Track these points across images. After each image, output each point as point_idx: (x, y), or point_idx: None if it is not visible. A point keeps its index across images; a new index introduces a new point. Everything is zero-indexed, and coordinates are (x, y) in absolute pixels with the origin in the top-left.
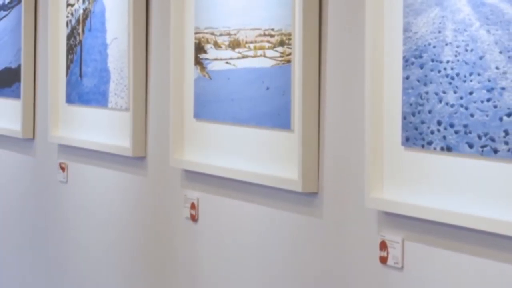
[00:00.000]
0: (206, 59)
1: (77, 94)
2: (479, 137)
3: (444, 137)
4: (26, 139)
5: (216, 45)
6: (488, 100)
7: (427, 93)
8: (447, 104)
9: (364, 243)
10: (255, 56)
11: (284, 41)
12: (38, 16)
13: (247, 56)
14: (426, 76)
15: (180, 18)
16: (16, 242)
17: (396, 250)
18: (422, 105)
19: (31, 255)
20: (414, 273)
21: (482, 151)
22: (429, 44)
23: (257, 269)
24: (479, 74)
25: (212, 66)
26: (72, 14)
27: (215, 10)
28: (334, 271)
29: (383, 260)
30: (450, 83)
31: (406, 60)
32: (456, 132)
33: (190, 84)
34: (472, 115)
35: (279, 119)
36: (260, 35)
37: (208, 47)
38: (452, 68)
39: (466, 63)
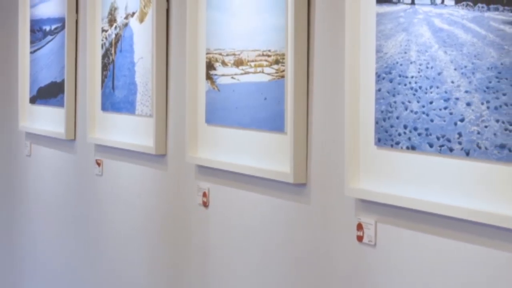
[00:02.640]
0: (215, 74)
1: (110, 103)
2: (438, 138)
3: (409, 138)
4: (68, 140)
5: (223, 63)
6: (445, 108)
7: (395, 102)
8: (411, 111)
9: (344, 225)
10: (255, 72)
11: (279, 60)
12: (78, 39)
13: (248, 72)
14: (394, 88)
15: (194, 41)
16: (61, 225)
17: (370, 230)
18: (391, 112)
19: (74, 236)
20: (384, 249)
21: (440, 149)
22: (397, 62)
23: (257, 246)
24: (437, 87)
25: (220, 81)
26: (106, 38)
27: (223, 35)
28: (320, 248)
29: (360, 238)
30: (414, 94)
31: (378, 76)
32: (419, 134)
33: (202, 95)
34: (432, 120)
35: (275, 124)
36: (259, 55)
37: (217, 65)
38: (415, 82)
39: (427, 78)
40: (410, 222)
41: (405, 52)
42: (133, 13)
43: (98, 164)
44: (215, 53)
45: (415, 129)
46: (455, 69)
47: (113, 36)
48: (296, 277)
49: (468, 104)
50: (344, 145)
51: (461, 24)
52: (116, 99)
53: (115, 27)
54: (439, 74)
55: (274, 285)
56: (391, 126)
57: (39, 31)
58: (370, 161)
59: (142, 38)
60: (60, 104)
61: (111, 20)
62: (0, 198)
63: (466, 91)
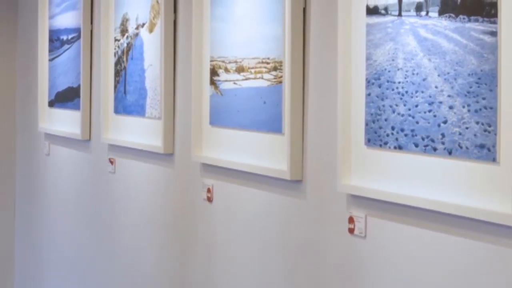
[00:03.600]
0: (219, 80)
1: (122, 106)
2: (423, 139)
3: (397, 139)
4: (84, 140)
5: (226, 70)
6: (430, 111)
7: (383, 106)
8: (398, 114)
9: (337, 218)
10: (255, 78)
11: (277, 67)
12: (93, 48)
13: (249, 78)
14: (383, 93)
15: (199, 50)
16: (77, 218)
17: (361, 223)
18: (380, 115)
19: (88, 227)
20: (374, 240)
21: (425, 149)
22: (385, 69)
23: (256, 237)
24: (422, 92)
25: (223, 86)
26: (118, 47)
27: (225, 43)
28: (314, 239)
29: (351, 230)
30: (401, 98)
31: (368, 81)
32: (405, 135)
33: (207, 99)
34: (417, 122)
35: (273, 125)
36: (259, 63)
37: (220, 71)
38: (402, 87)
39: (413, 83)
40: (397, 215)
41: (393, 60)
42: (143, 24)
43: (111, 162)
44: (219, 61)
45: (402, 130)
46: (438, 75)
47: (125, 45)
48: (293, 266)
49: (451, 107)
50: (337, 145)
51: (444, 34)
52: (127, 103)
53: (127, 37)
54: (424, 79)
55: (272, 273)
56: (380, 128)
57: (57, 41)
58: (361, 160)
59: (151, 47)
60: (76, 107)
61: (123, 30)
62: (22, 193)
63: (449, 95)
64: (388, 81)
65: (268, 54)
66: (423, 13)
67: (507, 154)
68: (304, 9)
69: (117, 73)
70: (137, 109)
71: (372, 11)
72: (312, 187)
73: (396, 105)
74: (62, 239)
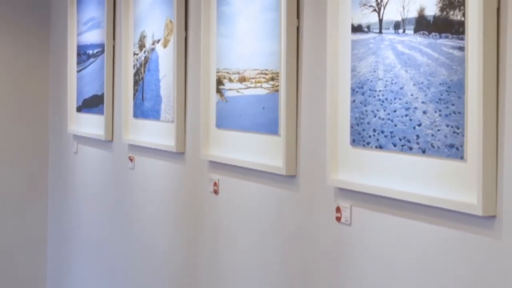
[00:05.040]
0: (224, 89)
1: (140, 111)
2: (400, 139)
3: (378, 140)
4: (107, 141)
5: (230, 80)
6: (406, 115)
7: (366, 111)
8: (379, 118)
9: (326, 208)
10: (255, 87)
11: (274, 78)
12: (115, 61)
13: (250, 87)
14: (365, 100)
15: (206, 62)
16: (101, 208)
17: (346, 212)
18: (363, 119)
19: (111, 216)
20: (358, 227)
21: (402, 148)
22: (368, 79)
23: (257, 225)
24: (400, 99)
25: (227, 94)
26: (137, 60)
27: (229, 57)
28: (306, 226)
29: (338, 219)
30: (381, 105)
31: (353, 90)
32: (385, 136)
33: (213, 105)
34: (395, 125)
35: (271, 128)
36: (258, 74)
37: (225, 81)
38: (382, 95)
39: (392, 91)
40: (378, 206)
41: (374, 71)
42: (158, 40)
43: (131, 160)
44: (224, 72)
45: (382, 132)
46: (414, 85)
47: (143, 58)
48: (287, 249)
49: (424, 112)
50: (326, 145)
51: (419, 49)
52: (145, 108)
53: (144, 51)
54: (401, 88)
55: (269, 255)
56: (363, 130)
57: (84, 55)
58: (346, 157)
59: (165, 60)
60: (101, 112)
61: (141, 46)
62: (53, 187)
63: (423, 102)
64: (370, 90)
65: (266, 66)
66: (401, 30)
67: (473, 153)
68: (298, 28)
69: (135, 83)
70: (153, 114)
71: (356, 29)
72: (304, 181)
73: (377, 110)
74: (88, 226)
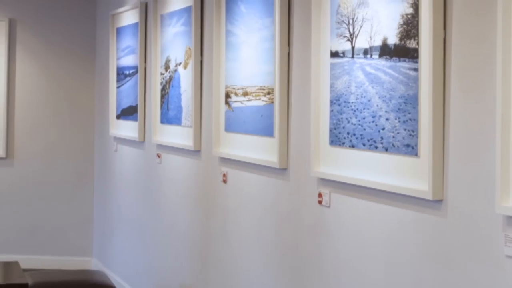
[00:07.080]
0: (231, 101)
1: (165, 118)
2: (368, 140)
3: (351, 141)
4: (140, 142)
5: (236, 94)
6: (373, 122)
7: (342, 118)
8: (352, 124)
9: (310, 194)
10: (255, 100)
11: (270, 92)
12: (146, 79)
13: (251, 100)
14: (341, 109)
15: (217, 80)
16: (135, 195)
17: (326, 197)
18: (339, 124)
19: (142, 202)
20: (336, 209)
21: (370, 147)
22: (343, 93)
23: (257, 207)
24: (368, 109)
25: (234, 105)
26: (163, 78)
27: (235, 76)
28: (295, 208)
29: (320, 202)
30: (353, 113)
31: (331, 101)
32: (356, 138)
33: (223, 114)
34: (365, 129)
35: (268, 131)
36: (258, 89)
37: (232, 95)
38: (354, 106)
39: (362, 103)
40: (351, 192)
41: (348, 87)
42: (180, 63)
43: (158, 156)
44: (231, 88)
45: (354, 134)
46: (379, 98)
47: (168, 77)
48: (280, 227)
49: (387, 119)
50: (310, 144)
51: (383, 70)
52: (169, 116)
53: (169, 72)
54: (369, 100)
55: (267, 231)
56: (339, 133)
57: (122, 74)
58: (326, 154)
59: (185, 78)
60: (135, 119)
61: (166, 67)
62: (98, 178)
63: (386, 111)
64: (345, 102)
65: (264, 83)
66: (368, 56)
67: (425, 151)
68: (288, 54)
69: (162, 96)
70: (176, 120)
71: (334, 54)
72: (293, 173)
73: (350, 118)
74: (124, 208)
